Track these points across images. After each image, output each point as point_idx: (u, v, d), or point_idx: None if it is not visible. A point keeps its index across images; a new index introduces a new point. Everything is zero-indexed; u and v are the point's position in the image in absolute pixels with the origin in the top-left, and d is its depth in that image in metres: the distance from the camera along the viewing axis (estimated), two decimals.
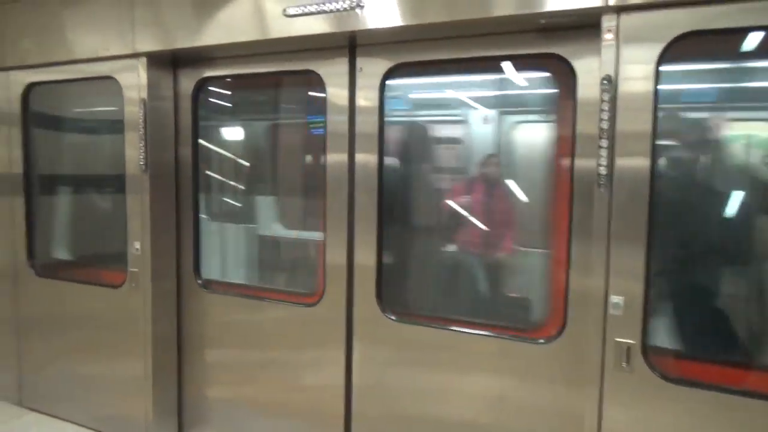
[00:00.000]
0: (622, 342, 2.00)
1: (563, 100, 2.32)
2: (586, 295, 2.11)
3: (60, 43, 3.18)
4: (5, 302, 3.63)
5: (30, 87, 3.42)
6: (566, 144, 2.24)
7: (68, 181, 3.75)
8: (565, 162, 2.23)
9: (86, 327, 3.30)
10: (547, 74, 2.49)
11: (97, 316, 3.23)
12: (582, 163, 2.15)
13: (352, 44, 2.56)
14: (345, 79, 2.58)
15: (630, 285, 1.98)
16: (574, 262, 2.20)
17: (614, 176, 1.97)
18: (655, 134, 1.92)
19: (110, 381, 3.22)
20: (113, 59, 3.00)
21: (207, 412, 3.14)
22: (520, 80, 2.77)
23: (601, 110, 1.96)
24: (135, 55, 2.93)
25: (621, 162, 1.96)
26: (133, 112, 2.97)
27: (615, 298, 2.01)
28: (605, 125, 1.96)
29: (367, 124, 2.55)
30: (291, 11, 2.41)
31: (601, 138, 1.97)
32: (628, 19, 1.92)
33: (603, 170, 1.98)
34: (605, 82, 1.95)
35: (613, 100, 1.95)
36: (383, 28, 2.32)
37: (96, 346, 3.27)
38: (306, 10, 2.38)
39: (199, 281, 3.11)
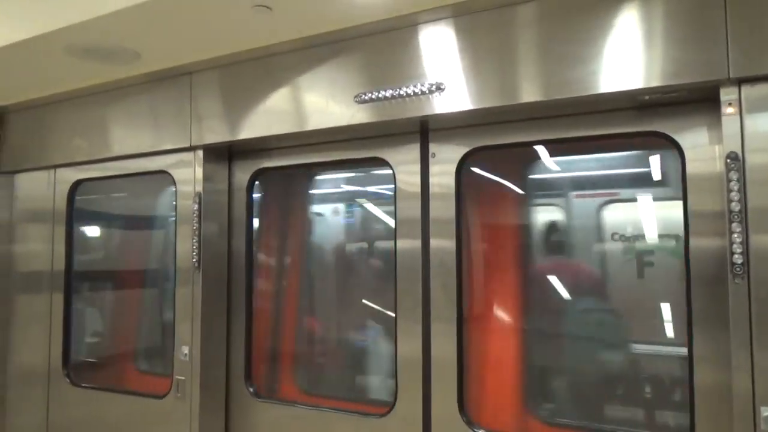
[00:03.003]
0: None
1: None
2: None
3: (112, 140, 3.10)
4: (36, 410, 3.31)
5: (77, 184, 3.33)
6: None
7: (111, 279, 3.56)
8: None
9: None
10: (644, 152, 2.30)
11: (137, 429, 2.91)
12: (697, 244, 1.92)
13: (424, 129, 2.42)
14: (417, 167, 2.42)
15: None
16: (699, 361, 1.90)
17: (751, 263, 1.72)
18: None
19: None
20: (167, 153, 2.91)
21: None
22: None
23: (730, 191, 1.74)
24: (191, 149, 2.82)
25: (759, 245, 1.71)
26: (186, 206, 2.82)
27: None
28: (736, 206, 1.73)
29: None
30: (363, 97, 2.29)
31: (732, 222, 1.73)
32: (753, 90, 1.74)
33: (738, 258, 1.72)
34: (731, 159, 1.74)
35: (742, 179, 1.73)
36: (462, 111, 2.18)
37: None
38: (380, 96, 2.25)
39: (251, 389, 2.80)
